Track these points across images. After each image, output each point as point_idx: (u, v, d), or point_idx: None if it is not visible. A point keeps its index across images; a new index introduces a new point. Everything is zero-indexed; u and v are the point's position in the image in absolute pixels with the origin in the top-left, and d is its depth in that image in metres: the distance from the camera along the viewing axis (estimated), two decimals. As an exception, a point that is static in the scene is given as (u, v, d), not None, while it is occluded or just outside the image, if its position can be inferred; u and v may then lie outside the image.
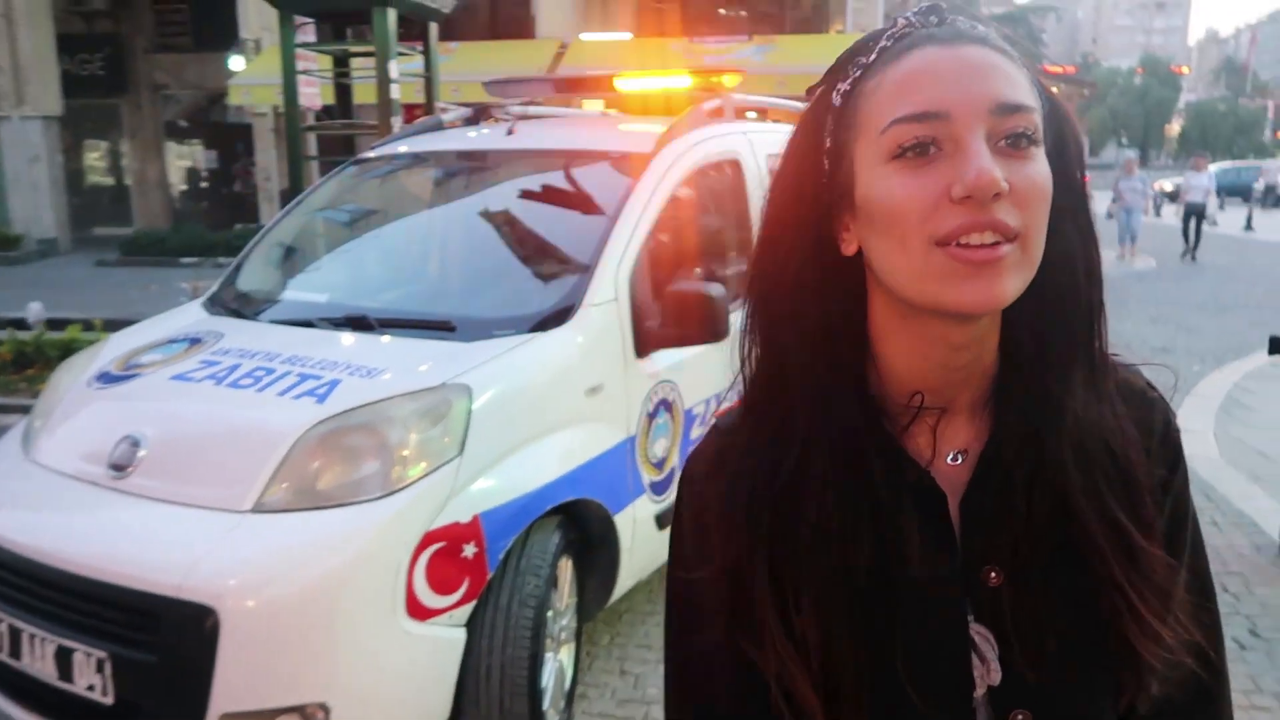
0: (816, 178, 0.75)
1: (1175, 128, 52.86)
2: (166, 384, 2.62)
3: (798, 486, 0.75)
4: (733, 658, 0.78)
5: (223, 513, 2.22)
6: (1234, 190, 28.27)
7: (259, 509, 2.22)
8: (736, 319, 0.92)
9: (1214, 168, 27.85)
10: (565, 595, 2.74)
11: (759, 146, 4.04)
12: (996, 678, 0.76)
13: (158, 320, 3.27)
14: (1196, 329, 9.43)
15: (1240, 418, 6.05)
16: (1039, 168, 0.69)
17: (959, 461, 0.78)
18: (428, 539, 2.22)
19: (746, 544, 0.76)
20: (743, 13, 19.50)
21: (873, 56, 0.73)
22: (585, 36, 15.97)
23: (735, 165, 3.82)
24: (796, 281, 0.75)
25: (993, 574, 0.75)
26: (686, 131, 3.44)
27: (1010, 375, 0.77)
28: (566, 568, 2.73)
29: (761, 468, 0.77)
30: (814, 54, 14.09)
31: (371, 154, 3.89)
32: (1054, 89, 0.77)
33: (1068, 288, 0.74)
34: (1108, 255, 13.39)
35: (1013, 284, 0.68)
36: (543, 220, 3.28)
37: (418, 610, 2.20)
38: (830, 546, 0.74)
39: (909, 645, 0.74)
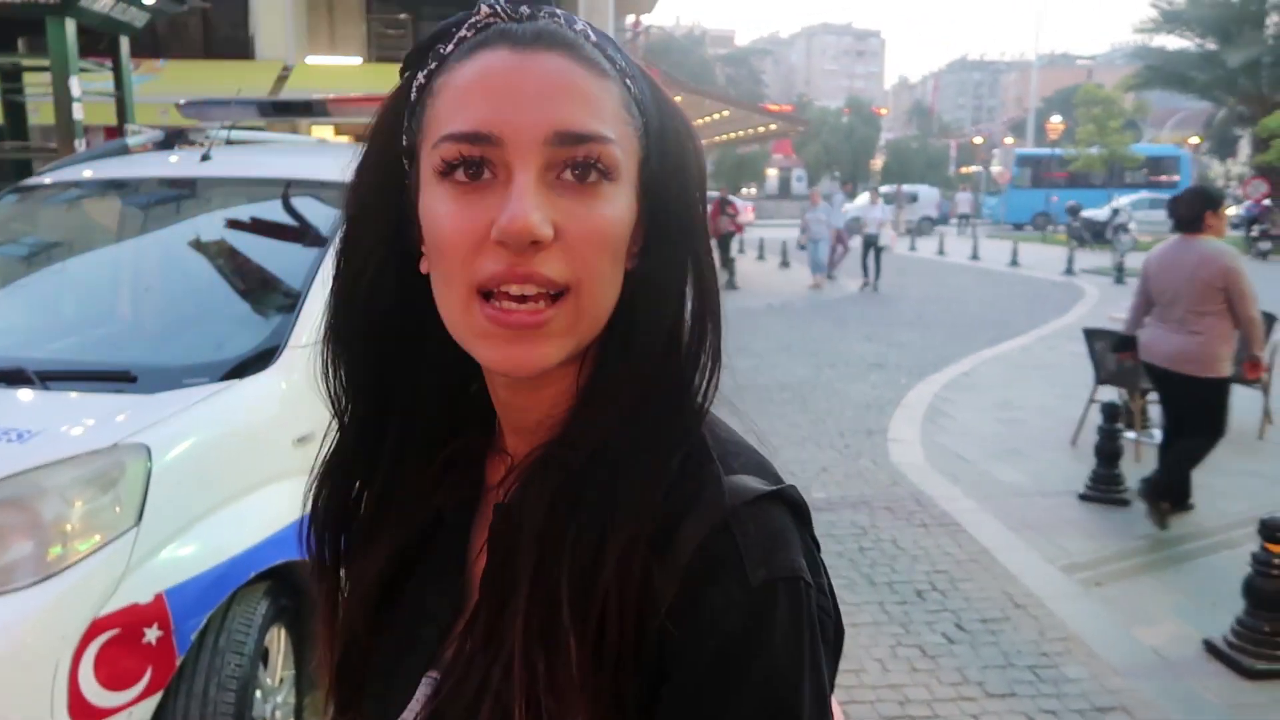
0: (396, 178, 0.67)
1: (878, 162, 58.59)
2: None
3: (358, 500, 0.76)
4: None
5: None
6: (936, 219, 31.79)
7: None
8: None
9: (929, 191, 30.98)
10: (279, 670, 2.47)
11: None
12: None
13: None
14: (905, 345, 10.35)
15: (942, 425, 6.68)
16: (605, 208, 0.61)
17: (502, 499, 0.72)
18: (96, 627, 1.91)
19: (321, 534, 0.76)
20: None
21: (450, 46, 0.64)
22: (311, 60, 15.24)
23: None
24: (370, 291, 0.68)
25: (449, 651, 0.66)
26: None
27: (565, 441, 0.65)
28: (279, 638, 2.46)
29: (338, 483, 0.75)
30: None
31: (39, 180, 3.40)
32: (676, 99, 0.68)
33: (654, 342, 0.64)
34: (803, 283, 14.46)
35: (555, 349, 0.61)
36: (243, 255, 2.99)
37: (85, 713, 1.88)
38: (371, 544, 0.73)
39: (385, 666, 0.72)
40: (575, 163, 0.60)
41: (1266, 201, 22.24)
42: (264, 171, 3.28)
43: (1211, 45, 27.05)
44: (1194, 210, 4.50)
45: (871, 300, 14.68)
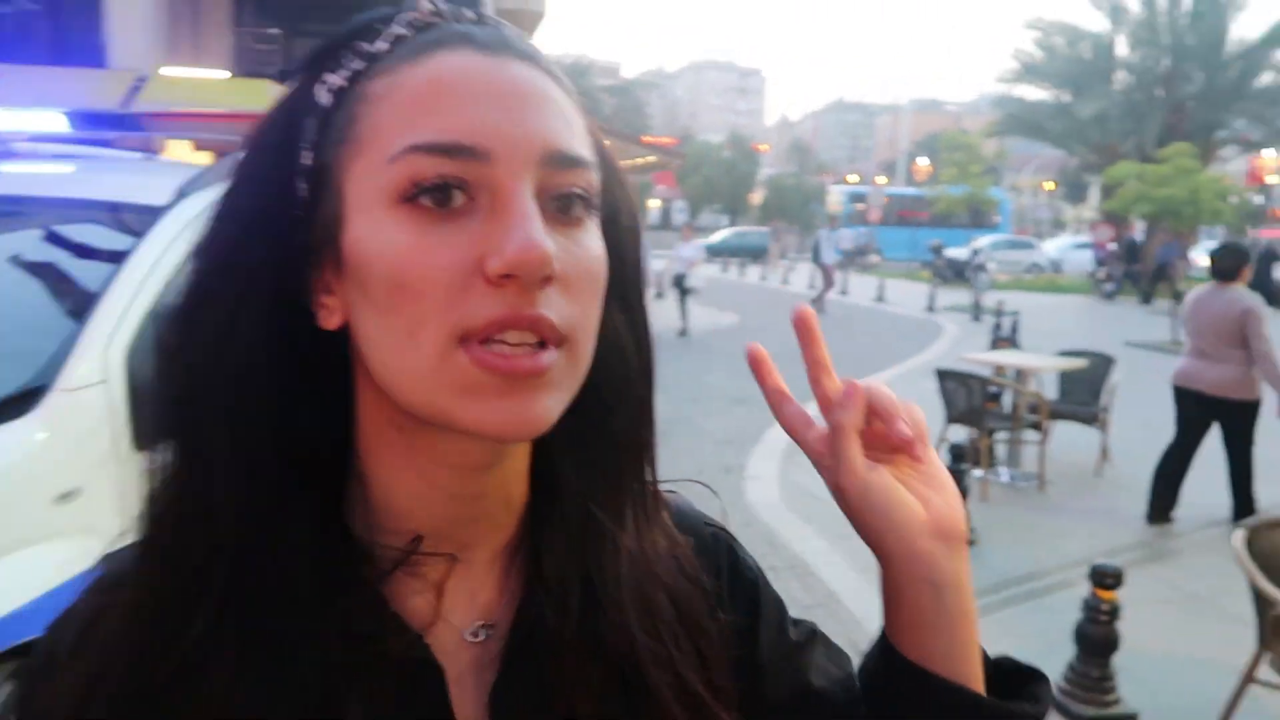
0: (285, 207, 0.51)
1: (758, 197, 60.05)
2: None
3: (199, 668, 0.50)
4: None
5: None
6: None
7: None
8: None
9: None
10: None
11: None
12: None
13: None
14: (770, 379, 10.43)
15: (799, 462, 6.70)
16: (594, 244, 0.52)
17: (479, 638, 0.57)
18: None
19: None
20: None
21: (383, 45, 0.52)
22: (168, 71, 14.52)
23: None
24: (241, 362, 0.51)
25: None
26: (220, 180, 3.02)
27: (547, 508, 0.59)
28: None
29: (152, 641, 0.50)
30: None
31: None
32: (606, 142, 0.58)
33: (618, 394, 0.58)
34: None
35: (555, 403, 0.51)
36: (2, 287, 2.67)
37: None
38: None
39: None
40: (565, 193, 0.51)
41: (1112, 245, 23.73)
42: (44, 190, 2.97)
43: (1065, 97, 28.84)
44: (1233, 265, 5.45)
45: (742, 333, 14.84)
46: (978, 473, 5.93)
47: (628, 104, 60.14)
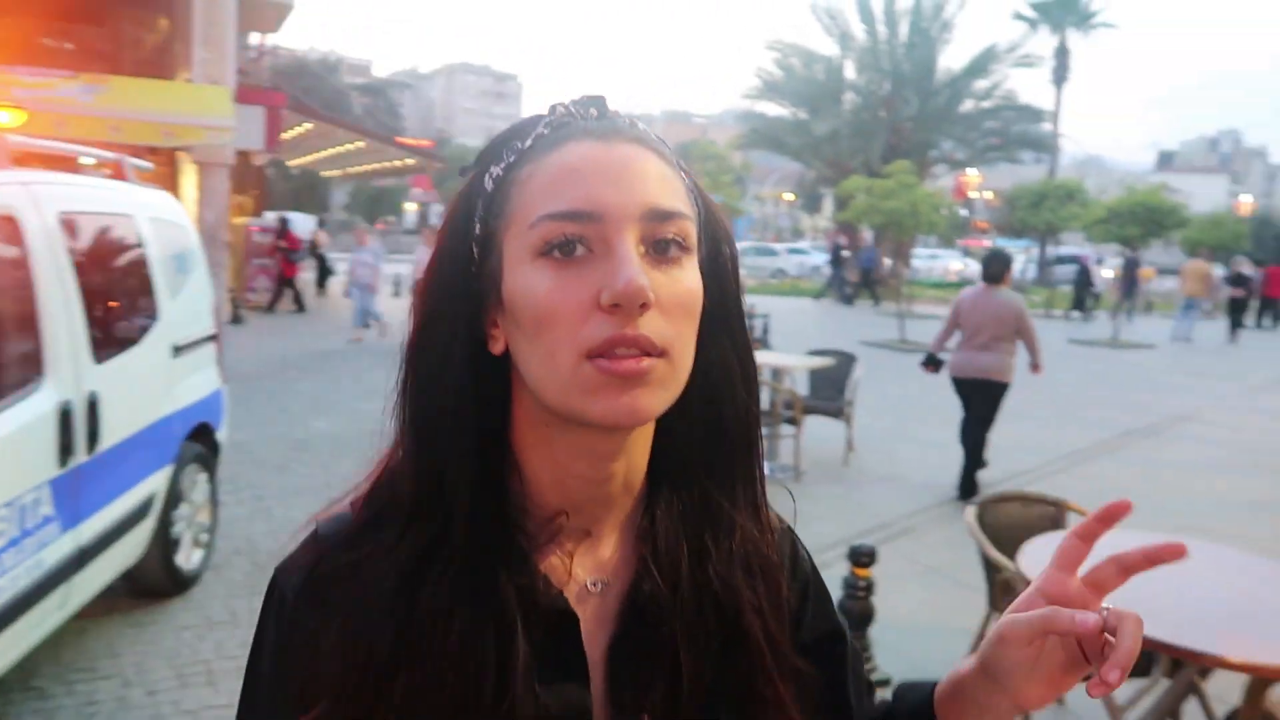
0: (466, 266, 0.69)
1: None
2: None
3: (431, 609, 0.68)
4: None
5: None
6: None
7: None
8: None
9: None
10: None
11: (47, 201, 3.35)
12: None
13: None
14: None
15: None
16: (688, 278, 0.67)
17: (596, 589, 0.74)
18: None
19: (362, 681, 0.67)
20: (69, 45, 17.08)
21: (528, 142, 0.69)
22: None
23: (10, 222, 3.10)
24: (453, 382, 0.69)
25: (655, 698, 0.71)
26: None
27: (662, 492, 0.75)
28: None
29: (398, 589, 0.68)
30: (155, 100, 12.89)
31: None
32: (710, 196, 0.74)
33: (725, 399, 0.74)
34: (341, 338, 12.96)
35: (658, 399, 0.66)
36: None
37: None
38: (453, 675, 0.67)
39: None
40: (662, 239, 0.65)
41: (846, 253, 25.78)
42: None
43: (803, 115, 30.97)
44: (1000, 269, 6.47)
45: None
46: (742, 467, 6.28)
47: (381, 104, 58.26)
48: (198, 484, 4.53)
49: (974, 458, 6.56)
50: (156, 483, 4.01)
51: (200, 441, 4.55)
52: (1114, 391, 7.61)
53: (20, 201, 3.17)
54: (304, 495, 5.93)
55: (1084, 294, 22.25)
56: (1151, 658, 3.01)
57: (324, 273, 20.14)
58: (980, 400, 6.48)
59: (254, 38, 22.47)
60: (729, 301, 0.74)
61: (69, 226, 3.46)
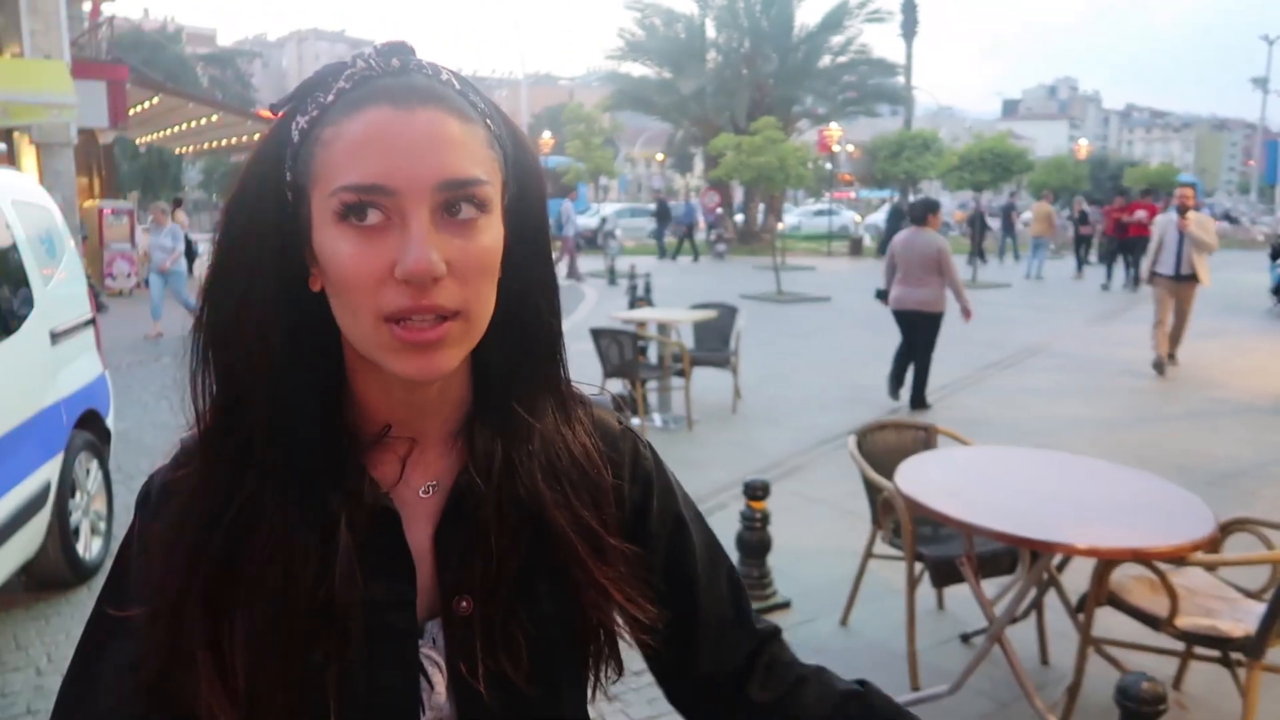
0: (279, 207, 0.73)
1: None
2: None
3: (250, 513, 0.74)
4: (131, 712, 0.76)
5: None
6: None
7: None
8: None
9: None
10: None
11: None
12: (443, 707, 0.78)
13: None
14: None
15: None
16: (484, 239, 0.70)
17: (429, 493, 0.80)
18: None
19: (185, 576, 0.73)
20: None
21: (330, 97, 0.71)
22: None
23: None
24: (260, 313, 0.72)
25: (463, 603, 0.78)
26: None
27: (482, 405, 0.81)
28: None
29: (214, 496, 0.74)
30: (-15, 78, 12.00)
31: None
32: (521, 132, 0.79)
33: (530, 323, 0.80)
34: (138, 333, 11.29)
35: (454, 355, 0.71)
36: None
37: None
38: (273, 571, 0.73)
39: (348, 675, 0.74)
40: (455, 203, 0.69)
41: (719, 210, 26.27)
42: None
43: (667, 74, 31.18)
44: (923, 212, 7.46)
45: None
46: (636, 420, 6.50)
47: (229, 74, 55.41)
48: (90, 472, 4.44)
49: (923, 376, 7.56)
50: (49, 472, 3.93)
51: (89, 429, 4.46)
52: (974, 329, 8.15)
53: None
54: (196, 479, 5.81)
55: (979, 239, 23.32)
56: (1016, 556, 3.38)
57: (191, 255, 19.29)
58: (919, 329, 7.42)
59: (85, 7, 21.08)
60: (536, 237, 0.79)
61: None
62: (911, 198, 30.21)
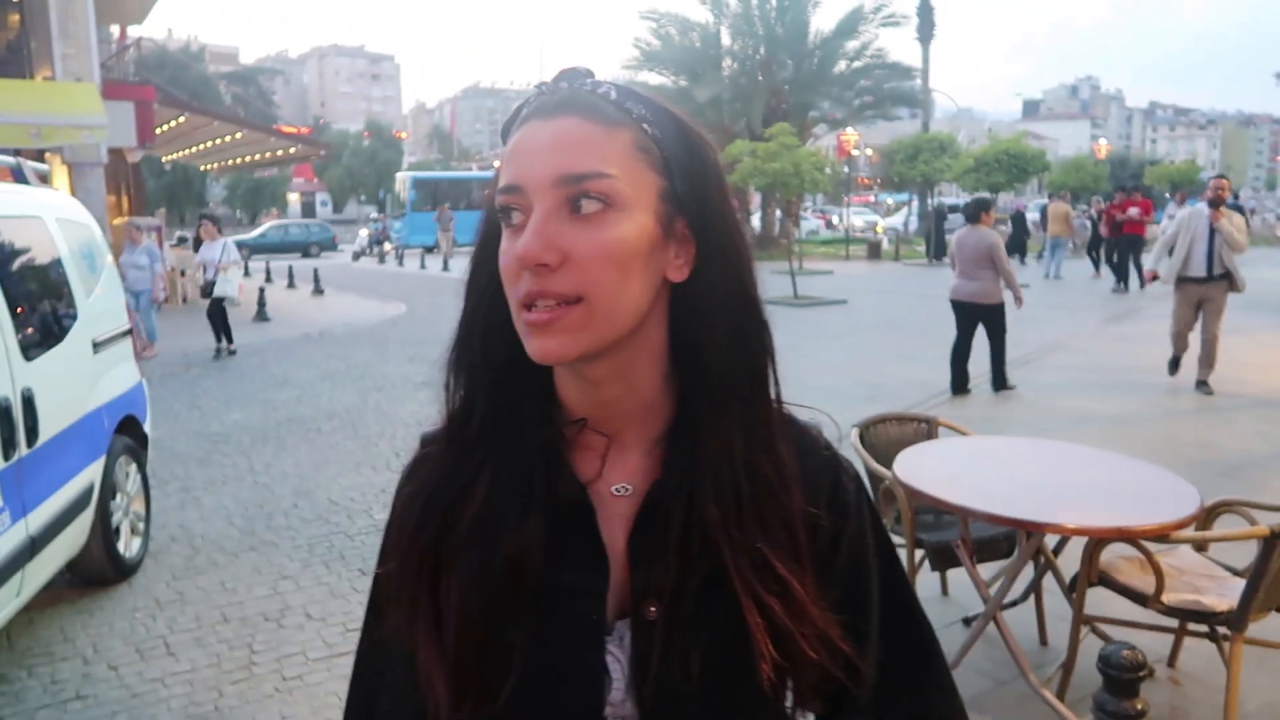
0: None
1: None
2: None
3: (469, 489, 0.82)
4: (403, 654, 0.84)
5: None
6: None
7: None
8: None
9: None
10: None
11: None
12: (622, 704, 0.80)
13: None
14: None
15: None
16: (608, 232, 0.74)
17: (624, 493, 0.83)
18: None
19: (414, 535, 0.83)
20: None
21: (513, 120, 0.80)
22: None
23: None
24: (485, 322, 0.82)
25: (651, 608, 0.80)
26: None
27: (683, 417, 0.82)
28: None
29: (445, 474, 0.84)
30: (17, 101, 12.26)
31: None
32: (698, 139, 0.81)
33: (728, 337, 0.80)
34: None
35: (574, 341, 0.75)
36: None
37: None
38: (475, 540, 0.80)
39: (538, 655, 0.79)
40: (576, 198, 0.73)
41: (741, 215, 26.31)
42: None
43: (683, 83, 31.30)
44: (976, 211, 8.01)
45: (412, 321, 14.76)
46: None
47: (252, 92, 56.15)
48: (130, 475, 4.66)
49: (999, 360, 8.25)
50: (93, 474, 4.15)
51: (128, 434, 4.67)
52: (993, 328, 8.30)
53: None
54: (230, 484, 6.04)
55: (1023, 241, 23.11)
56: (1014, 542, 3.51)
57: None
58: (977, 319, 8.06)
59: (114, 30, 21.57)
60: (724, 245, 0.80)
61: (-13, 232, 3.57)
62: (930, 201, 30.32)
